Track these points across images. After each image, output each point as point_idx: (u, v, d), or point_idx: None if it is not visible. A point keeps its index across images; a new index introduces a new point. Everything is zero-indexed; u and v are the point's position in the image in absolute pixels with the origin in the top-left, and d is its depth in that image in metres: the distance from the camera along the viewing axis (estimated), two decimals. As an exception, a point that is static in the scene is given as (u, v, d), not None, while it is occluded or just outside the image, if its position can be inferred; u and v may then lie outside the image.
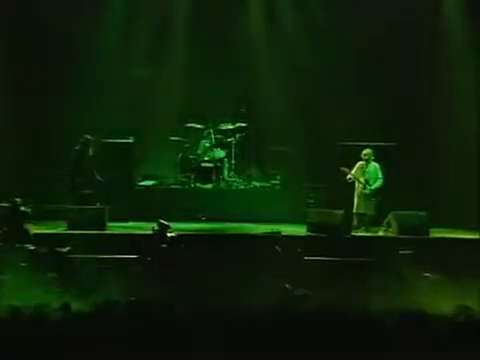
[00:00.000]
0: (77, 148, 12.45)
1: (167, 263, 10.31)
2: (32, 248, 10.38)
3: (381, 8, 14.09)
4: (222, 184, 14.52)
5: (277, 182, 14.56)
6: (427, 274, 9.98)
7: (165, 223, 11.18)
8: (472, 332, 6.52)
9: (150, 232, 11.19)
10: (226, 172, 14.70)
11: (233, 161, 14.67)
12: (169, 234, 11.14)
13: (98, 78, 13.98)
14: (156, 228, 11.06)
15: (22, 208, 11.19)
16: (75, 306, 7.04)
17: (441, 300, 8.80)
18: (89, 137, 12.41)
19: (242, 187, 14.59)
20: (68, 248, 10.55)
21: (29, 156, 13.43)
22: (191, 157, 14.30)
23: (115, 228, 12.01)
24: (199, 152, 14.45)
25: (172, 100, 14.51)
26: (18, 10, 13.72)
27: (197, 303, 7.60)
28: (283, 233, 11.87)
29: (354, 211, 12.80)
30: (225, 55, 14.63)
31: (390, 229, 12.35)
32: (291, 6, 14.85)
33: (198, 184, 14.31)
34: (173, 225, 11.60)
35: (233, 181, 14.67)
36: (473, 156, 14.02)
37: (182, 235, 11.49)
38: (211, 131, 14.57)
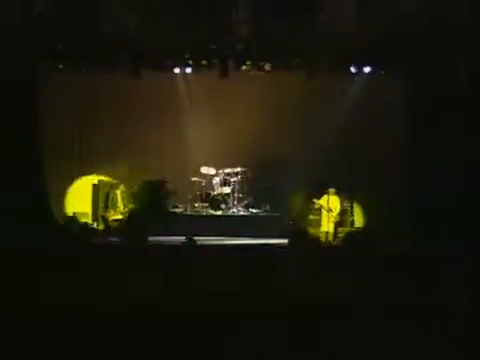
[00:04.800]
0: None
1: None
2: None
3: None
4: (228, 211, 16.16)
5: (268, 210, 16.19)
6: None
7: (191, 237, 12.19)
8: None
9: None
10: (231, 203, 16.28)
11: (236, 195, 16.31)
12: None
13: (148, 140, 16.43)
14: (185, 241, 12.02)
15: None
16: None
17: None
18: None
19: (242, 214, 16.21)
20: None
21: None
22: (206, 192, 16.08)
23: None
24: (212, 188, 16.18)
25: (193, 152, 16.47)
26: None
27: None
28: (272, 243, 13.02)
29: (321, 229, 15.07)
30: (226, 119, 16.19)
31: (345, 243, 13.52)
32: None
33: (211, 211, 16.01)
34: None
35: (235, 209, 16.33)
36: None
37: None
38: (220, 174, 16.34)
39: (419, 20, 13.42)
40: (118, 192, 15.79)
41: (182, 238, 12.23)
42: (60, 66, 14.35)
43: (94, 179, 15.72)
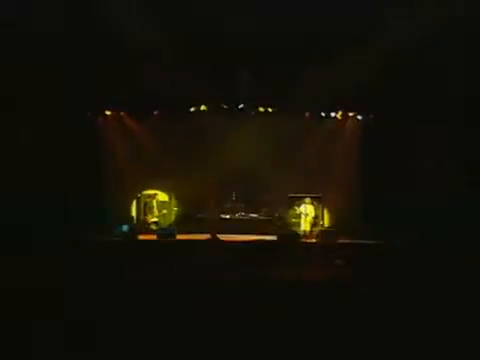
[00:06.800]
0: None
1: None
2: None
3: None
4: (234, 216, 18.84)
5: (262, 214, 18.87)
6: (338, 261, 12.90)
7: (215, 235, 15.10)
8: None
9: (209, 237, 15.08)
10: (236, 209, 18.99)
11: (240, 204, 19.08)
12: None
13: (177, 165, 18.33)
14: (210, 237, 14.98)
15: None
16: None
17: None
18: None
19: (245, 218, 18.85)
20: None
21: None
22: (218, 201, 18.72)
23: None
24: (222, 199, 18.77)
25: (208, 172, 18.38)
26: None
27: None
28: (265, 240, 15.36)
29: (300, 229, 18.01)
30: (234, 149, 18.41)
31: (318, 238, 16.78)
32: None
33: (222, 215, 18.85)
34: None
35: (240, 214, 19.04)
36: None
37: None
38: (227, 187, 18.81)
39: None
40: (154, 201, 19.41)
41: (201, 235, 15.27)
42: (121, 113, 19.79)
43: (151, 193, 19.55)
